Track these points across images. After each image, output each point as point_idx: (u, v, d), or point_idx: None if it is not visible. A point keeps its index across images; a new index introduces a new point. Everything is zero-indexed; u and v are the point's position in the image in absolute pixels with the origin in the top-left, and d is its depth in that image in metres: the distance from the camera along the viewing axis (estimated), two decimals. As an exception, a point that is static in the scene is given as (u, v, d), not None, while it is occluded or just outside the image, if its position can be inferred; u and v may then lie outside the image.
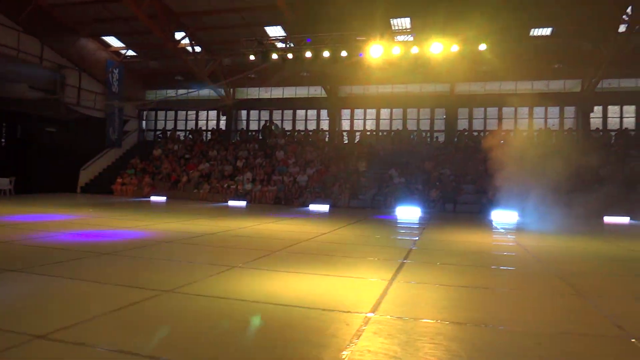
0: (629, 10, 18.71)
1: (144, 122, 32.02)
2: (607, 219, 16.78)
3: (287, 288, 4.98)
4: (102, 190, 24.44)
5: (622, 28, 19.66)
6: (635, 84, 24.56)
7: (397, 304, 4.47)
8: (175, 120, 31.48)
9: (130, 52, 27.96)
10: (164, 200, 21.19)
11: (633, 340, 3.56)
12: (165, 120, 31.71)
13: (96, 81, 27.20)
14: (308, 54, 19.28)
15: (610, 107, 25.20)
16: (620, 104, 25.00)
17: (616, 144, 23.44)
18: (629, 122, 24.94)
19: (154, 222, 11.47)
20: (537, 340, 3.54)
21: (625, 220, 16.72)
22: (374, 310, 4.11)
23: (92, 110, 26.92)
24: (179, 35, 24.04)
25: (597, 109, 25.06)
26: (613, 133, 24.54)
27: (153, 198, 21.99)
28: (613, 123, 25.16)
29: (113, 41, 27.00)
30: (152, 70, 29.24)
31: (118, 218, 12.30)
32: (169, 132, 30.57)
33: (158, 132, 31.35)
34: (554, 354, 3.31)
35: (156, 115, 31.89)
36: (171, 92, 29.86)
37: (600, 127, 24.97)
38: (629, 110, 25.06)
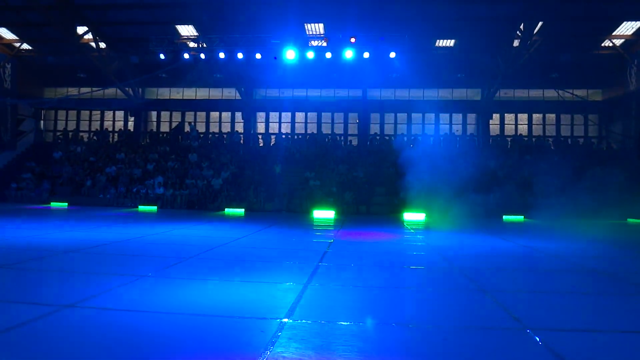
0: (521, 26, 20.41)
1: (42, 122, 29.60)
2: (505, 218, 18.10)
3: (201, 296, 4.82)
4: (-8, 196, 22.28)
5: (515, 43, 21.38)
6: (527, 94, 26.82)
7: (313, 308, 4.49)
8: (78, 120, 29.49)
9: (26, 46, 25.79)
10: (66, 207, 19.74)
11: (528, 330, 3.84)
12: (67, 120, 29.58)
13: (-15, 76, 24.78)
14: (221, 55, 18.97)
15: (506, 115, 27.31)
16: (515, 112, 27.20)
17: (512, 149, 25.40)
18: (523, 128, 27.20)
19: (53, 230, 10.64)
20: (445, 336, 3.71)
21: (520, 218, 18.15)
22: (289, 316, 4.10)
23: (-20, 108, 24.50)
24: (81, 29, 22.54)
25: (496, 117, 27.06)
26: (509, 139, 26.59)
27: (53, 204, 20.41)
28: (509, 129, 27.29)
29: (5, 33, 24.73)
30: (51, 66, 27.12)
31: (11, 227, 11.26)
32: (70, 133, 28.55)
33: (58, 133, 29.15)
34: (459, 347, 3.49)
35: (56, 114, 29.66)
36: (73, 91, 27.93)
37: (498, 133, 26.95)
38: (523, 118, 27.34)
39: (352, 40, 18.48)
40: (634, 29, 21.93)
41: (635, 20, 21.26)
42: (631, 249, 9.98)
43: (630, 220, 17.80)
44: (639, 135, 22.94)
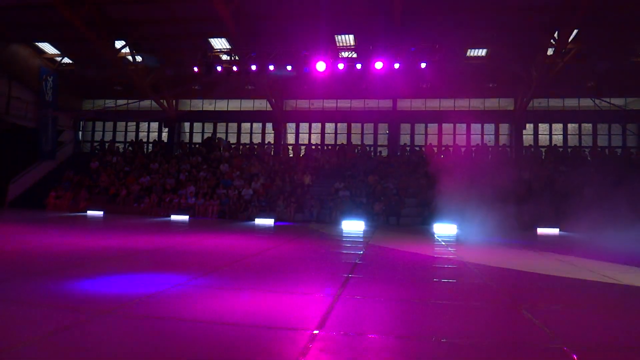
0: (555, 35, 20.03)
1: (80, 133, 30.66)
2: (540, 230, 17.66)
3: (233, 306, 4.88)
4: (33, 204, 23.11)
5: (549, 51, 20.99)
6: (562, 104, 26.24)
7: (343, 320, 4.49)
8: (114, 131, 30.40)
9: (67, 60, 26.82)
10: (102, 215, 20.30)
11: (565, 348, 3.74)
12: (104, 131, 30.55)
13: (28, 89, 25.83)
14: (253, 67, 19.26)
15: (540, 125, 26.76)
16: (550, 122, 26.64)
17: (546, 160, 24.85)
18: (558, 139, 26.59)
19: (90, 238, 10.96)
20: (478, 352, 3.65)
21: (555, 231, 17.67)
22: (320, 327, 4.10)
23: (24, 120, 25.53)
24: (119, 43, 23.31)
25: (529, 127, 26.55)
26: (543, 149, 26.02)
27: (89, 213, 21.03)
28: (543, 140, 26.73)
29: (48, 48, 25.82)
30: (89, 79, 28.07)
31: (51, 234, 11.65)
32: (107, 144, 29.43)
33: (95, 144, 30.11)
34: (494, 365, 3.43)
35: (94, 126, 30.68)
36: (110, 103, 28.85)
37: (532, 144, 26.41)
38: (557, 127, 26.73)
39: (379, 65, 18.48)
40: (675, 36, 21.24)
41: (676, 26, 20.59)
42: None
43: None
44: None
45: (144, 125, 30.15)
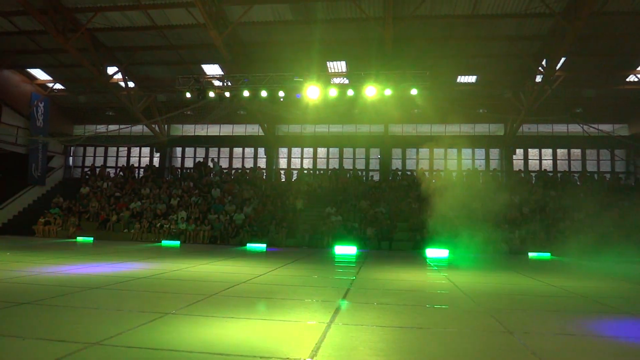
0: (543, 62, 20.46)
1: (70, 159, 30.51)
2: (530, 254, 17.68)
3: (224, 335, 4.81)
4: (21, 231, 22.83)
5: (538, 78, 21.40)
6: (551, 129, 26.62)
7: (336, 348, 4.43)
8: (105, 156, 30.30)
9: (58, 86, 26.90)
10: (92, 242, 20.06)
11: (559, 376, 3.72)
12: (94, 156, 30.43)
13: (19, 115, 25.79)
14: (246, 93, 19.41)
15: (530, 150, 27.07)
16: (539, 147, 26.97)
17: (536, 184, 25.05)
18: (547, 164, 26.88)
19: (79, 265, 10.80)
20: (472, 381, 3.61)
21: (547, 256, 17.69)
22: (312, 356, 4.05)
23: (14, 146, 25.40)
24: (111, 69, 23.45)
25: (519, 152, 26.85)
26: (533, 174, 26.27)
27: (79, 239, 20.78)
28: (533, 164, 27.01)
29: (39, 74, 25.91)
30: (81, 105, 28.21)
31: (39, 262, 11.47)
32: (98, 169, 29.28)
33: (86, 169, 29.95)
34: (488, 394, 3.39)
35: (84, 151, 30.58)
36: (101, 128, 28.82)
37: (522, 168, 26.66)
38: (547, 153, 27.06)
39: (371, 91, 18.72)
40: (658, 64, 21.79)
41: (659, 55, 21.16)
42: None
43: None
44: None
45: (135, 150, 30.11)
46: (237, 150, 29.31)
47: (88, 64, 21.62)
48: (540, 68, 20.91)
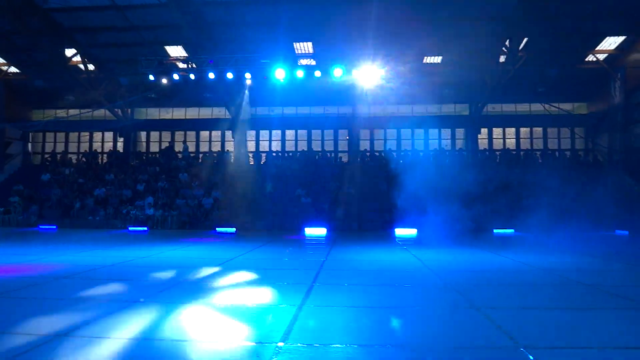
0: (507, 42, 20.77)
1: (29, 145, 29.39)
2: (496, 231, 18.20)
3: (195, 321, 4.79)
4: (-21, 220, 21.99)
5: (502, 58, 21.73)
6: (514, 109, 27.18)
7: (308, 331, 4.48)
8: (66, 142, 29.35)
9: (14, 69, 25.73)
10: (55, 230, 19.54)
11: (522, 349, 3.86)
12: (55, 142, 29.44)
13: (-28, 100, 24.59)
14: (211, 75, 19.06)
15: (494, 129, 27.63)
16: (503, 126, 27.54)
17: (500, 163, 25.64)
18: (511, 142, 27.51)
19: (42, 255, 10.52)
20: (439, 357, 3.72)
21: (510, 231, 18.25)
22: (284, 340, 4.08)
23: (-32, 132, 24.29)
24: (70, 52, 22.57)
25: (484, 131, 27.35)
26: (498, 152, 26.86)
27: (42, 228, 20.19)
28: (497, 143, 27.60)
29: (-7, 57, 24.72)
30: (39, 89, 27.02)
31: (0, 252, 11.12)
32: (59, 155, 28.36)
33: (46, 156, 28.96)
34: (455, 369, 3.50)
35: (44, 137, 29.53)
36: (61, 113, 27.85)
37: (487, 147, 27.21)
38: (511, 132, 27.67)
39: (338, 72, 18.64)
40: (617, 44, 22.42)
41: (618, 35, 21.75)
42: (619, 262, 10.07)
43: (617, 231, 17.97)
44: (624, 148, 23.27)
45: (97, 136, 29.27)
46: (204, 134, 28.87)
47: (45, 46, 20.73)
48: (504, 48, 21.23)
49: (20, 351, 3.75)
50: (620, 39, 22.03)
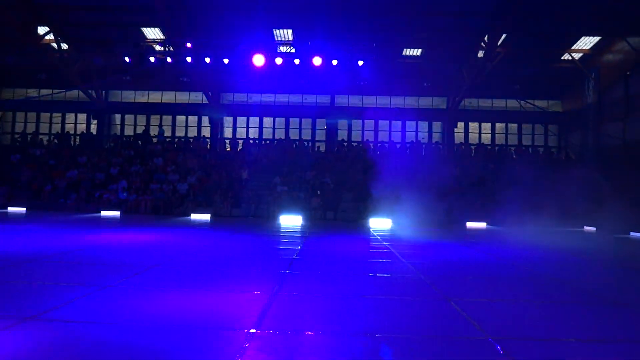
0: (486, 38, 20.99)
1: (-1, 124, 28.53)
2: (468, 224, 18.49)
3: (166, 307, 4.74)
4: (-56, 200, 21.26)
5: (480, 54, 21.97)
6: (491, 104, 27.56)
7: (280, 318, 4.49)
8: (37, 122, 28.59)
9: (-17, 46, 24.81)
10: (24, 212, 19.06)
11: (490, 339, 3.95)
12: (25, 122, 28.62)
13: (-64, 76, 23.66)
14: (189, 59, 18.76)
15: (471, 124, 27.98)
16: (479, 121, 27.91)
17: (476, 157, 26.01)
18: (486, 137, 27.92)
19: (10, 238, 10.26)
20: (410, 345, 3.77)
21: (483, 225, 18.57)
22: (257, 326, 4.08)
23: None
24: (42, 30, 21.89)
25: (460, 125, 27.69)
26: (473, 147, 27.23)
27: (10, 209, 19.67)
28: (473, 138, 27.97)
29: (-40, 31, 23.76)
30: (10, 67, 26.17)
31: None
32: (29, 136, 27.59)
33: (16, 136, 28.13)
34: (424, 357, 3.55)
35: (14, 116, 28.67)
36: (33, 92, 27.06)
37: (463, 141, 27.56)
38: (486, 127, 28.08)
39: (317, 60, 18.55)
40: (592, 44, 22.91)
41: (593, 35, 22.21)
42: (586, 257, 10.36)
43: (586, 227, 18.48)
44: (596, 146, 23.84)
45: (70, 117, 28.55)
46: (181, 119, 28.47)
47: (16, 23, 20.05)
48: (482, 44, 21.45)
49: (-16, 335, 3.65)
50: (596, 39, 22.51)
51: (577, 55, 23.78)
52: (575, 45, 23.12)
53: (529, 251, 10.60)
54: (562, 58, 24.11)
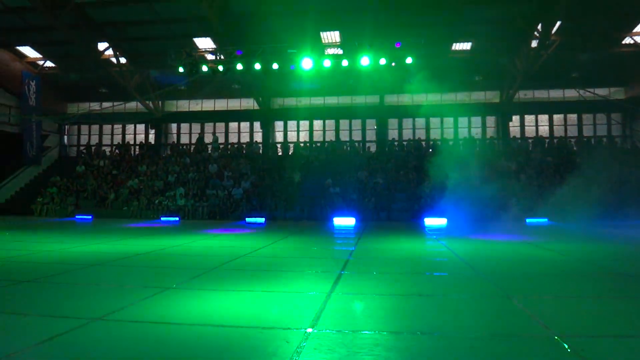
0: (539, 26, 20.16)
1: (65, 137, 30.30)
2: (528, 221, 17.82)
3: (225, 308, 4.86)
4: (19, 211, 22.82)
5: (533, 43, 21.13)
6: (547, 95, 26.44)
7: (336, 317, 4.49)
8: (100, 134, 30.10)
9: (49, 63, 26.48)
10: (90, 220, 20.11)
11: (556, 337, 3.78)
12: (89, 134, 30.23)
13: (11, 94, 25.43)
14: (239, 66, 19.14)
15: (526, 116, 26.96)
16: (536, 113, 26.83)
17: (533, 151, 25.05)
18: (544, 130, 26.80)
19: (79, 243, 10.85)
20: (471, 344, 3.67)
21: (543, 221, 17.84)
22: (313, 325, 4.10)
23: (6, 125, 25.17)
24: (102, 45, 23.06)
25: (515, 118, 26.72)
26: (530, 140, 26.22)
27: (78, 218, 20.82)
28: (530, 131, 26.93)
29: (29, 51, 25.48)
30: (73, 82, 27.78)
31: (38, 241, 11.51)
32: (93, 147, 29.13)
33: (82, 148, 29.79)
34: (486, 356, 3.45)
35: (79, 129, 30.35)
36: (95, 105, 28.55)
37: (519, 135, 26.59)
38: (543, 119, 26.95)
39: (365, 61, 18.37)
40: (656, 25, 21.52)
41: (657, 16, 20.86)
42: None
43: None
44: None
45: (130, 128, 29.89)
46: (233, 125, 29.13)
47: (78, 40, 21.25)
48: (535, 33, 20.62)
49: (57, 332, 3.87)
50: (660, 20, 21.12)
51: (639, 39, 22.42)
52: (637, 28, 21.78)
53: (593, 246, 10.08)
54: (623, 42, 22.78)
